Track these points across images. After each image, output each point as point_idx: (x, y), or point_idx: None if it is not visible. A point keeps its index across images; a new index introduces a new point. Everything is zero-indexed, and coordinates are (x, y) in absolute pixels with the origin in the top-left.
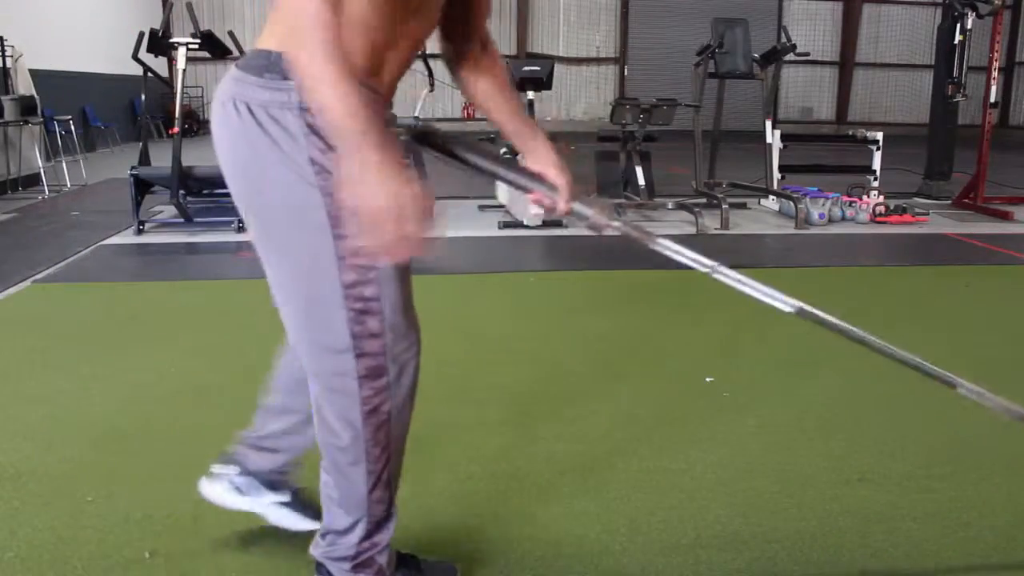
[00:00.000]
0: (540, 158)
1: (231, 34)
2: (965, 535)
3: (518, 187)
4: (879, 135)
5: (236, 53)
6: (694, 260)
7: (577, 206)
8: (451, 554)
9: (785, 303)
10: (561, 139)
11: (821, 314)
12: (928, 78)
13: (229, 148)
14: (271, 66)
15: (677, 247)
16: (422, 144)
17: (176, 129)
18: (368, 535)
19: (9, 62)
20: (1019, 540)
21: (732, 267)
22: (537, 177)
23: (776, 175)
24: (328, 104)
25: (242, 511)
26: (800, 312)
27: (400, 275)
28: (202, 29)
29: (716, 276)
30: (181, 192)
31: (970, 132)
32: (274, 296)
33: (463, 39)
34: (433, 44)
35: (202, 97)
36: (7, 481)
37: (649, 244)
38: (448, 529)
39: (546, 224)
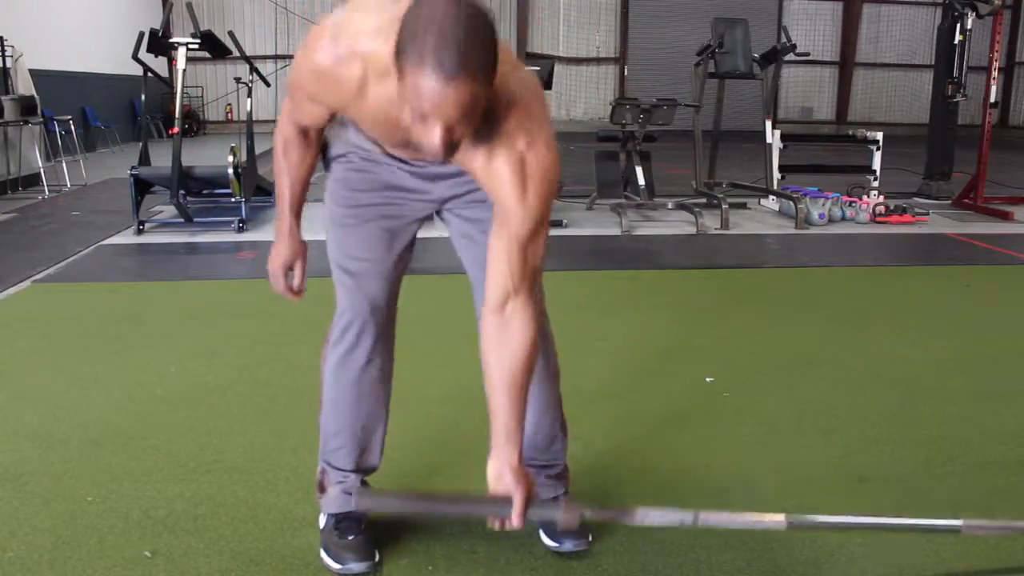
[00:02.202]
0: (503, 460)
1: (231, 34)
2: (965, 535)
3: (475, 514)
4: (879, 135)
5: (236, 53)
6: (676, 518)
7: (534, 514)
8: (448, 554)
9: (774, 522)
10: (561, 139)
11: (815, 518)
12: (928, 78)
13: None
14: None
15: (659, 512)
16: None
17: (176, 129)
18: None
19: (9, 62)
20: (1019, 540)
21: (732, 267)
22: (488, 500)
23: (776, 175)
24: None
25: (244, 510)
26: (791, 524)
27: (362, 271)
28: (202, 29)
29: (701, 523)
30: (181, 192)
31: (970, 132)
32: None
33: (489, 286)
34: None
35: (202, 97)
36: (7, 481)
37: (627, 520)
38: (446, 529)
39: None
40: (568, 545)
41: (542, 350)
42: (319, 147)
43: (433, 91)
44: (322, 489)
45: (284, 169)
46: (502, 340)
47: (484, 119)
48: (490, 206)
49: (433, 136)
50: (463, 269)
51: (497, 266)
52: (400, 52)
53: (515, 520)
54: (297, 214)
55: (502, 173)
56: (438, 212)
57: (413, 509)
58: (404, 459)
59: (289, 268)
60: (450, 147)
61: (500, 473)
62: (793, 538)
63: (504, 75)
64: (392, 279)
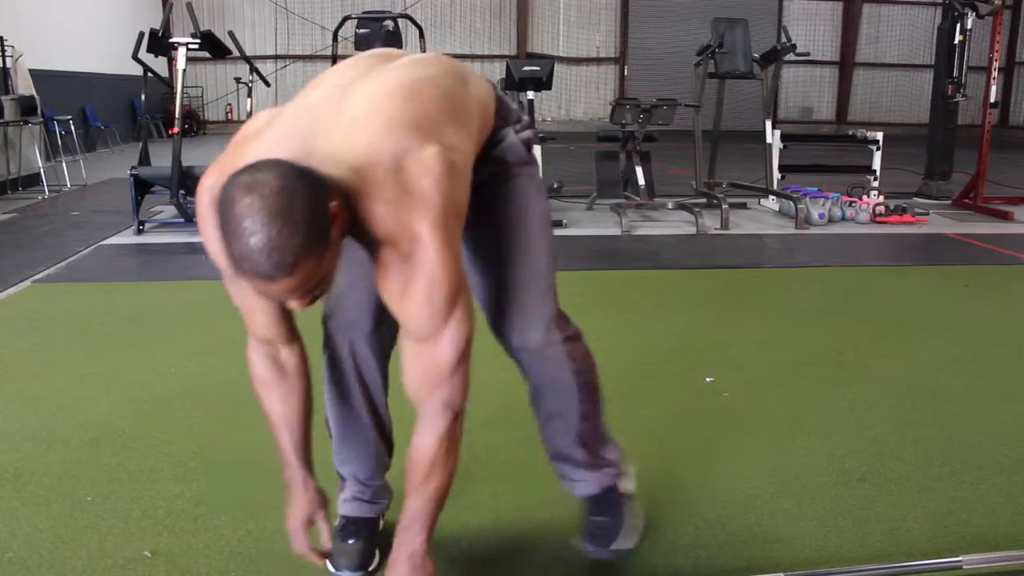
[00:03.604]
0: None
1: (231, 34)
2: (965, 535)
3: None
4: (879, 135)
5: (236, 53)
6: None
7: None
8: (448, 554)
9: None
10: (561, 139)
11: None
12: (928, 78)
13: None
14: None
15: None
16: None
17: (176, 129)
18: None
19: (9, 62)
20: (1019, 540)
21: (732, 267)
22: None
23: (776, 175)
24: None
25: (244, 510)
26: None
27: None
28: (202, 29)
29: None
30: (181, 192)
31: (970, 132)
32: None
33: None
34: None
35: (202, 97)
36: (7, 481)
37: None
38: (445, 528)
39: None
40: (590, 550)
41: (578, 379)
42: (306, 378)
43: (261, 290)
44: (342, 488)
45: (271, 415)
46: (415, 435)
47: (361, 223)
48: (474, 231)
49: (289, 305)
50: None
51: (403, 366)
52: (224, 241)
53: None
54: (307, 460)
55: (388, 275)
56: None
57: None
58: None
59: (311, 524)
60: (313, 298)
61: (394, 560)
62: (793, 540)
63: (376, 177)
64: (374, 291)
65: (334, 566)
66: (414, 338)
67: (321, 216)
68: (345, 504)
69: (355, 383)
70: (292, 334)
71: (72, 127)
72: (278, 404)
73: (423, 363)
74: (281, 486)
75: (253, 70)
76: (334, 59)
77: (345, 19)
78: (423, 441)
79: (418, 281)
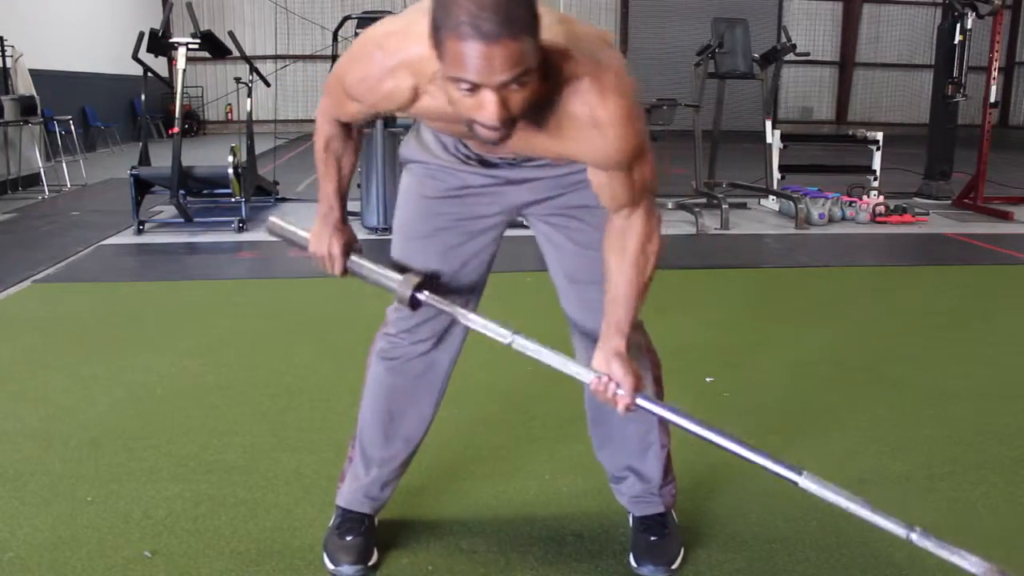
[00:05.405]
0: (610, 348)
1: (231, 34)
2: (965, 535)
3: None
4: (879, 135)
5: (236, 53)
6: (494, 332)
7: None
8: (448, 554)
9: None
10: None
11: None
12: (928, 78)
13: None
14: None
15: (481, 320)
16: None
17: (176, 129)
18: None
19: (9, 62)
20: (1019, 540)
21: (732, 267)
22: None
23: (776, 175)
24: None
25: (244, 510)
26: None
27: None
28: (202, 29)
29: (515, 347)
30: (181, 192)
31: (970, 132)
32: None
33: (605, 205)
34: None
35: (202, 97)
36: (7, 481)
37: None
38: (446, 528)
39: None
40: (647, 570)
41: (643, 362)
42: (358, 148)
43: (477, 57)
44: (343, 478)
45: (327, 161)
46: (619, 239)
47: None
48: (573, 213)
49: (487, 108)
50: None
51: (604, 198)
52: (436, 28)
53: (628, 400)
54: (345, 207)
55: (577, 135)
56: (521, 217)
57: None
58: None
59: (347, 253)
60: (507, 121)
61: (608, 360)
62: (793, 540)
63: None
64: (463, 293)
65: (333, 562)
66: (615, 172)
67: (537, 15)
68: (345, 496)
69: (435, 393)
70: (366, 120)
71: (72, 127)
72: (338, 151)
73: (629, 183)
74: (281, 485)
75: (253, 70)
76: (334, 59)
77: (345, 19)
78: (641, 224)
79: (617, 125)
